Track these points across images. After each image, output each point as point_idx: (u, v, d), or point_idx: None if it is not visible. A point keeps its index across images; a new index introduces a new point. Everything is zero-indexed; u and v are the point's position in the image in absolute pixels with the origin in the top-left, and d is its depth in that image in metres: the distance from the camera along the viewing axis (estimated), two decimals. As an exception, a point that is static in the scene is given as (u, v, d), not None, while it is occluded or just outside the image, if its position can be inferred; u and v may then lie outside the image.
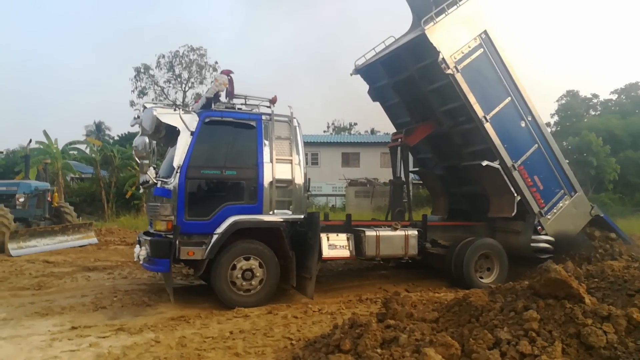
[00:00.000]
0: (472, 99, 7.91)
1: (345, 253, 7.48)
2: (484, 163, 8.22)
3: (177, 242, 6.39)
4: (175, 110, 6.84)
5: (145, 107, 7.03)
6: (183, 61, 29.54)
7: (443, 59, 7.64)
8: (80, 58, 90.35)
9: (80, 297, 7.36)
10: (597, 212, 9.00)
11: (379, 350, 3.81)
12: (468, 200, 10.24)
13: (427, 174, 10.87)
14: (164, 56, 29.26)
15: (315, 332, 5.39)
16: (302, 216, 7.12)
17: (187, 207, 6.48)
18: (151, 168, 6.69)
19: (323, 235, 7.23)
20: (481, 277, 8.26)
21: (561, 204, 8.63)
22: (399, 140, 9.48)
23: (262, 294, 6.73)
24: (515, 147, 8.30)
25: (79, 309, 6.60)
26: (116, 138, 41.85)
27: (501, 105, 8.23)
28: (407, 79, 9.09)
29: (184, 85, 29.95)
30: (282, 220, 6.90)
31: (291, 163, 7.05)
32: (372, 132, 48.42)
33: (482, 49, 8.14)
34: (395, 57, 8.99)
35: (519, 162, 8.28)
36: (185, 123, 6.65)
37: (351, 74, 9.84)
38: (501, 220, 8.80)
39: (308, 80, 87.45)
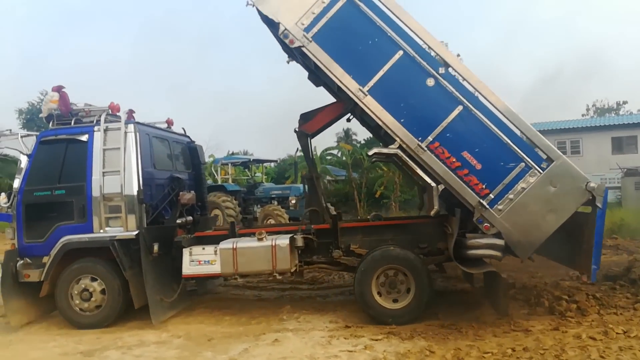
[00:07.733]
0: (337, 71, 5.98)
1: (212, 269, 6.40)
2: (371, 152, 6.37)
3: (16, 265, 6.60)
4: (15, 135, 7.04)
5: None
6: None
7: (286, 30, 6.02)
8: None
9: (348, 295, 7.66)
10: (597, 186, 5.61)
11: None
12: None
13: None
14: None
15: (628, 362, 4.27)
16: (134, 233, 6.42)
17: (25, 230, 6.70)
18: (2, 194, 6.92)
19: (186, 250, 6.49)
20: (381, 297, 6.19)
21: (522, 185, 5.73)
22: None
23: (103, 314, 6.51)
24: (421, 118, 5.92)
25: (350, 307, 6.80)
26: (362, 142, 44.67)
27: (387, 66, 5.93)
28: (297, 59, 7.08)
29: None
30: (109, 238, 6.43)
31: (120, 174, 6.48)
32: (652, 110, 39.64)
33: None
34: (275, 37, 7.06)
35: (431, 137, 5.84)
36: (26, 146, 6.86)
37: (287, 62, 7.55)
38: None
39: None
